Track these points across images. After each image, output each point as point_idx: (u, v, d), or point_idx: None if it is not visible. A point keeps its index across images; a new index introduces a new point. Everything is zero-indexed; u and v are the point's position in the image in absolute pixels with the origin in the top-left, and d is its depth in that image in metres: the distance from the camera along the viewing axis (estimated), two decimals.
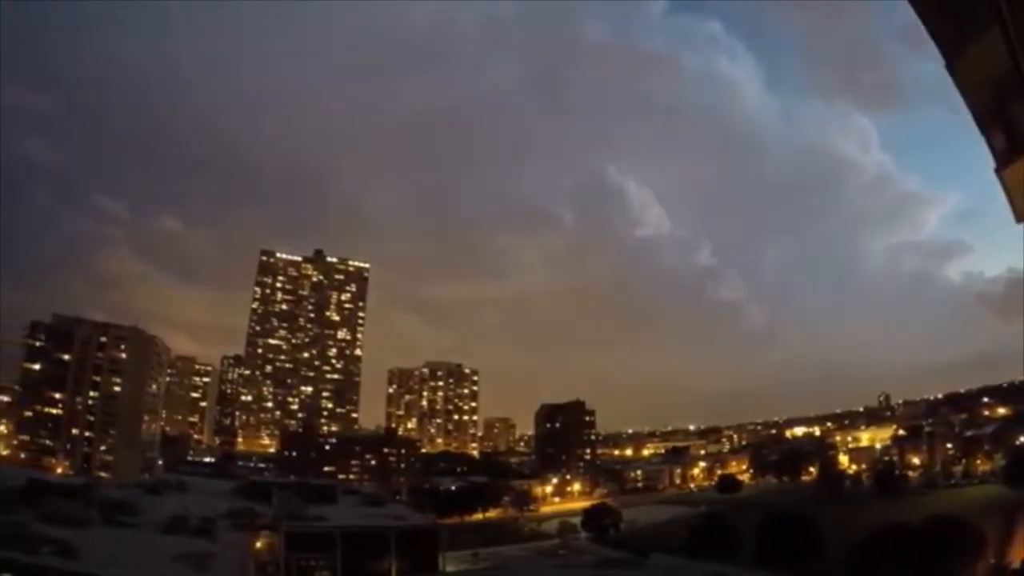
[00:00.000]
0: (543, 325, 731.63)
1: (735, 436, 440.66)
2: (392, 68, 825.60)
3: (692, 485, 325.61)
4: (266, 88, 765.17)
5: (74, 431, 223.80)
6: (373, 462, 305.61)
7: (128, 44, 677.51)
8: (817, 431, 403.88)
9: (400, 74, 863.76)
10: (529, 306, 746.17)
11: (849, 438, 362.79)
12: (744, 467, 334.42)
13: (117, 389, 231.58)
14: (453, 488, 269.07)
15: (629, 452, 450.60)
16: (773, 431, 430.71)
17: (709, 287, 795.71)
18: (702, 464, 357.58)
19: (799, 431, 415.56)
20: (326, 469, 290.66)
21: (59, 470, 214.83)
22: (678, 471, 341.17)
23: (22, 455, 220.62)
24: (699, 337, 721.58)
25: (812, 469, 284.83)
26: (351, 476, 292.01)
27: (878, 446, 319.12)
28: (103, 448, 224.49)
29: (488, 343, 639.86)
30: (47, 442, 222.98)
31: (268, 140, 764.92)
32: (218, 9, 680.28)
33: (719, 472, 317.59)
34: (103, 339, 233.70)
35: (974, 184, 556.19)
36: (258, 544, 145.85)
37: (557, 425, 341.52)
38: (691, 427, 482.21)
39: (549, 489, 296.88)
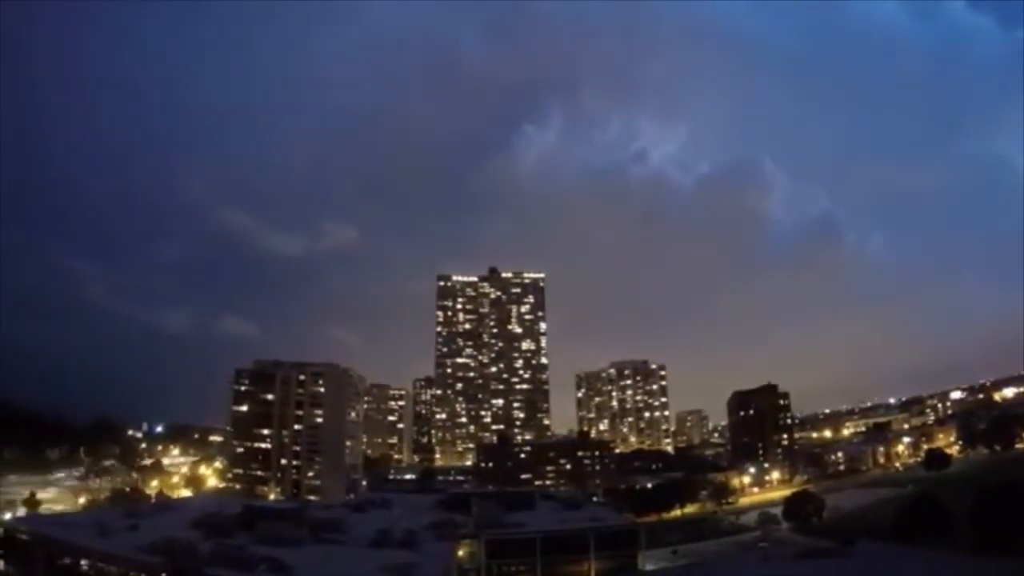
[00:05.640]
0: (724, 310, 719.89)
1: (939, 405, 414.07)
2: None
3: (897, 463, 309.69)
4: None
5: (282, 461, 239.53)
6: (568, 466, 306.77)
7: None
8: None
9: None
10: (706, 292, 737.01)
11: None
12: (952, 439, 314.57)
13: (319, 420, 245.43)
14: (649, 486, 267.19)
15: (828, 433, 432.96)
16: (980, 396, 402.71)
17: (890, 254, 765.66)
18: (906, 440, 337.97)
19: (1009, 392, 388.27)
20: (523, 477, 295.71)
21: (271, 496, 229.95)
22: (881, 449, 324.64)
23: (237, 486, 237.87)
24: (886, 303, 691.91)
25: None
26: (547, 482, 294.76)
27: None
28: (310, 474, 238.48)
29: (672, 335, 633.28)
30: (259, 472, 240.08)
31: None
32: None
33: (925, 447, 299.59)
34: (301, 377, 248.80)
35: None
36: (460, 553, 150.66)
37: (750, 412, 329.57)
38: (891, 400, 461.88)
39: (747, 480, 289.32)
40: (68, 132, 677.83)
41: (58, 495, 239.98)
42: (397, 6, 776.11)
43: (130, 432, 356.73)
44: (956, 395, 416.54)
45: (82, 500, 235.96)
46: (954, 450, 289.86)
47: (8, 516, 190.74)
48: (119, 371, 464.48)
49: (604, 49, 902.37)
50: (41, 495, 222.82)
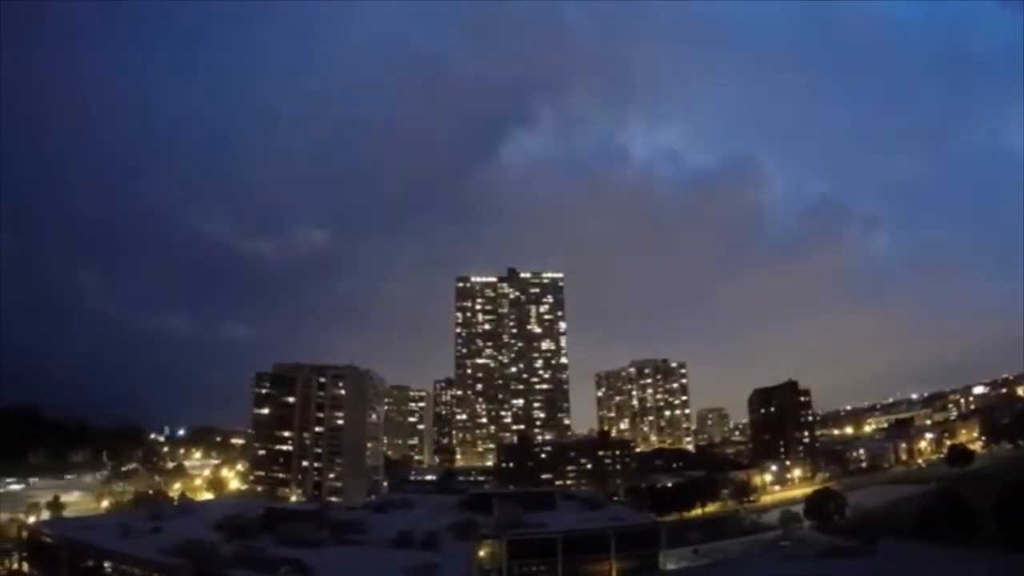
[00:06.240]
0: (745, 307, 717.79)
1: (962, 400, 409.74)
2: None
3: (920, 460, 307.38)
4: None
5: (304, 463, 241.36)
6: (588, 466, 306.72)
7: None
8: None
9: None
10: (717, 289, 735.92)
11: None
12: (975, 434, 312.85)
13: (340, 422, 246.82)
14: (670, 485, 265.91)
15: (850, 430, 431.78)
16: (1003, 390, 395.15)
17: (897, 247, 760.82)
18: (928, 436, 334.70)
19: None
20: (543, 476, 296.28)
21: (293, 498, 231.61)
22: (903, 446, 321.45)
23: (259, 488, 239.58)
24: (896, 297, 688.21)
25: None
26: (568, 481, 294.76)
27: None
28: (331, 475, 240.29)
29: (691, 333, 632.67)
30: (280, 475, 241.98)
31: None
32: None
33: (947, 443, 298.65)
34: (322, 379, 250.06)
35: None
36: (481, 553, 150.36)
37: (771, 409, 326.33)
38: (913, 396, 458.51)
39: (768, 478, 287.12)
40: (61, 139, 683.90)
41: (81, 498, 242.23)
42: (387, 9, 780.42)
43: (152, 436, 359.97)
44: (978, 390, 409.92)
45: (105, 503, 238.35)
46: (977, 446, 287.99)
47: (32, 519, 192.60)
48: (132, 376, 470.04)
49: (599, 48, 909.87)
50: (65, 498, 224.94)
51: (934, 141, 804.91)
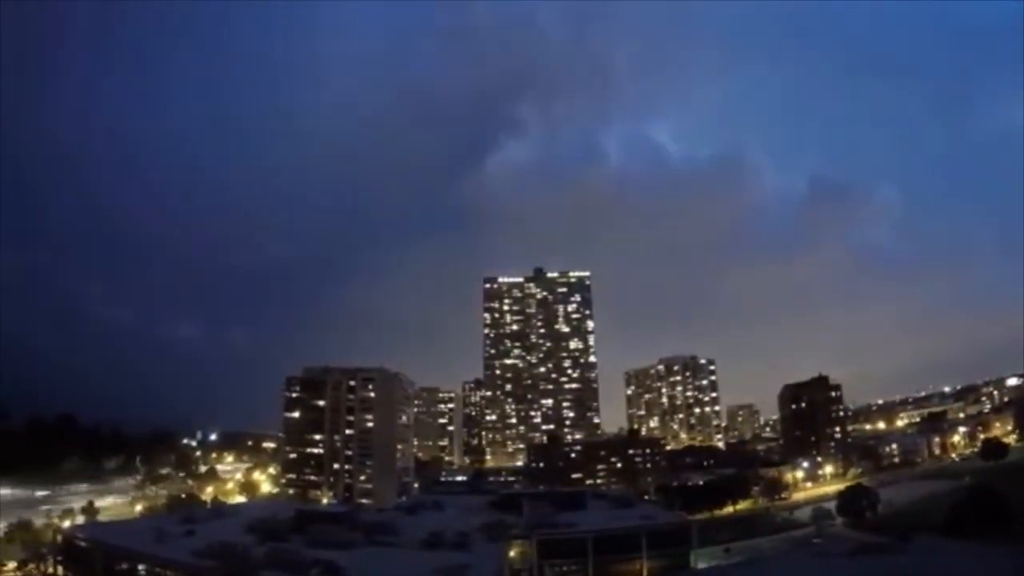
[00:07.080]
0: (772, 301, 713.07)
1: (995, 393, 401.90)
2: None
3: (953, 454, 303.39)
4: None
5: (335, 465, 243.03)
6: (619, 465, 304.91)
7: None
8: None
9: None
10: (754, 283, 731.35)
11: None
12: (1009, 427, 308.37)
13: (370, 424, 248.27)
14: (701, 483, 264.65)
15: (881, 425, 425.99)
16: None
17: (937, 236, 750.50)
18: (962, 430, 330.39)
19: None
20: (573, 476, 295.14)
21: (324, 500, 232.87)
22: (936, 440, 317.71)
23: (291, 491, 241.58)
24: (936, 291, 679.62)
25: None
26: (598, 481, 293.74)
27: None
28: (362, 477, 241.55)
29: (720, 329, 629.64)
30: (311, 477, 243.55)
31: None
32: None
33: (981, 436, 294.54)
34: (352, 382, 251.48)
35: None
36: (512, 553, 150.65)
37: (802, 405, 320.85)
38: (946, 389, 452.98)
39: (800, 474, 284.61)
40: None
41: (115, 503, 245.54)
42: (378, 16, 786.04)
43: (184, 441, 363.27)
44: (1012, 382, 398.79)
45: (139, 507, 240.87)
46: (1011, 439, 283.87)
47: (67, 524, 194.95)
48: (163, 383, 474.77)
49: (586, 50, 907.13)
50: (99, 503, 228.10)
51: (939, 124, 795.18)
